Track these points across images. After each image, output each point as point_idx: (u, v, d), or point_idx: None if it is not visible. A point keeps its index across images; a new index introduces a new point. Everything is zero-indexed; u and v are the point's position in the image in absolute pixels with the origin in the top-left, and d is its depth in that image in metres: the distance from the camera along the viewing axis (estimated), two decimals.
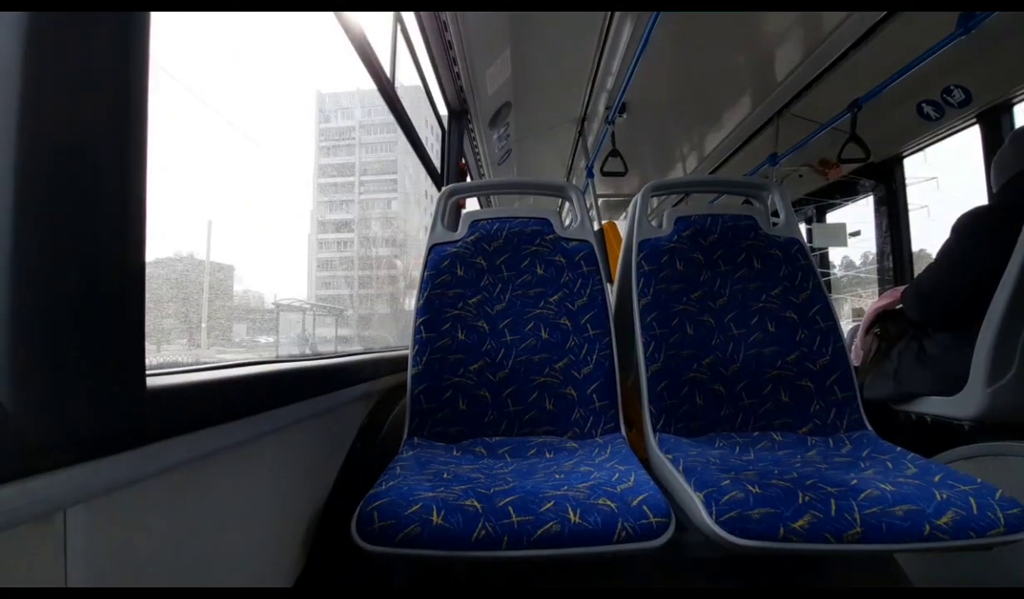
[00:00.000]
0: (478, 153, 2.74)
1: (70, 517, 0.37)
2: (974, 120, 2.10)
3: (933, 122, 2.20)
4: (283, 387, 0.66)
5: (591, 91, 2.38)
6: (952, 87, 2.01)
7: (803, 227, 3.28)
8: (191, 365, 0.58)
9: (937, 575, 1.00)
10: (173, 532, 0.48)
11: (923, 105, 2.16)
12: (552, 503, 0.67)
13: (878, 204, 2.74)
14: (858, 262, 3.43)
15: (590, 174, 2.86)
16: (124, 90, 0.39)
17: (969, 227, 1.37)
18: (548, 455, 0.96)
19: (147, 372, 0.42)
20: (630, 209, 1.26)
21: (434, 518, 0.64)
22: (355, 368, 0.92)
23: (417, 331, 1.10)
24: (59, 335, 0.35)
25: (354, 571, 0.79)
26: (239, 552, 0.59)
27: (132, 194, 0.40)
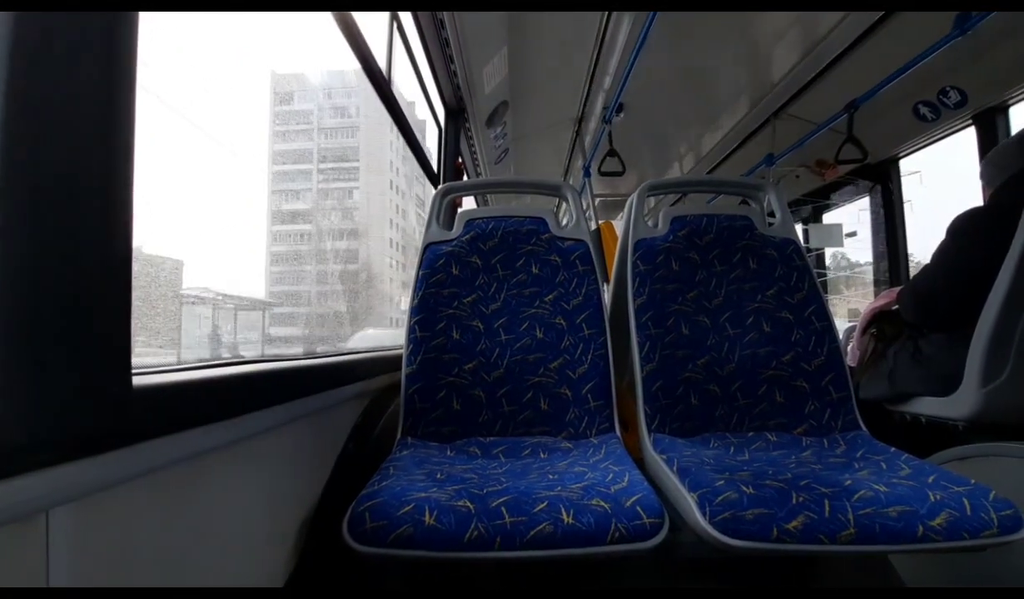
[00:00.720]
0: (475, 152, 2.73)
1: (53, 518, 0.36)
2: (970, 121, 2.10)
3: (929, 123, 2.20)
4: (274, 386, 0.65)
5: (588, 90, 2.38)
6: (948, 88, 2.02)
7: (799, 228, 3.28)
8: (180, 364, 0.57)
9: (930, 576, 1.00)
10: (161, 533, 0.48)
11: (919, 106, 2.17)
12: (545, 504, 0.66)
13: (874, 205, 2.74)
14: (851, 262, 3.44)
15: (587, 173, 2.86)
16: (111, 89, 0.39)
17: (964, 228, 1.37)
18: (542, 455, 0.96)
19: (134, 371, 0.42)
20: (626, 209, 1.26)
21: (426, 519, 0.63)
22: (348, 367, 0.91)
23: (411, 330, 1.09)
24: (43, 333, 0.34)
25: (346, 572, 0.78)
26: (229, 553, 0.59)
27: (118, 191, 0.39)
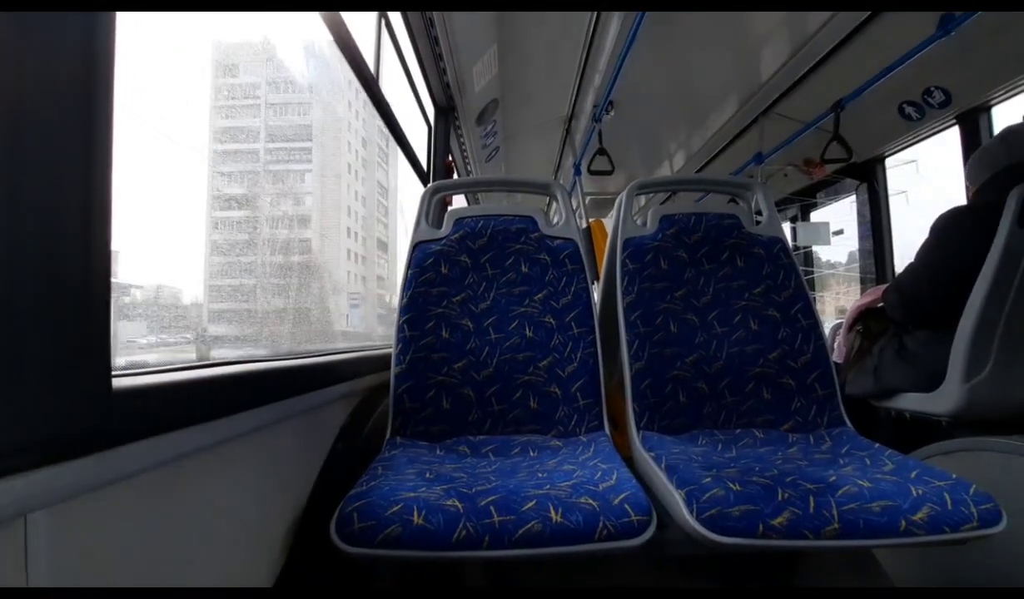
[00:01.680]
0: (465, 150, 2.73)
1: (31, 522, 0.36)
2: (954, 121, 2.13)
3: (914, 123, 2.23)
4: (260, 387, 0.65)
5: (578, 89, 2.39)
6: (933, 88, 2.04)
7: (787, 226, 3.31)
8: (162, 365, 0.56)
9: (914, 570, 1.02)
10: (144, 537, 0.47)
11: (904, 106, 2.19)
12: (534, 502, 0.66)
13: (860, 203, 2.78)
14: (834, 261, 3.47)
15: (577, 172, 2.86)
16: (90, 89, 0.38)
17: (947, 227, 1.39)
18: (532, 454, 0.96)
19: (114, 372, 0.41)
20: (615, 208, 1.26)
21: (415, 518, 0.63)
22: (336, 367, 0.91)
23: (400, 329, 1.09)
24: (19, 334, 0.34)
25: (335, 573, 0.78)
26: (215, 556, 0.58)
27: (97, 191, 0.39)
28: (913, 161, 2.54)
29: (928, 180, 2.54)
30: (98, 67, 0.39)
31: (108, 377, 0.40)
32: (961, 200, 1.63)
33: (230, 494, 0.61)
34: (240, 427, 0.60)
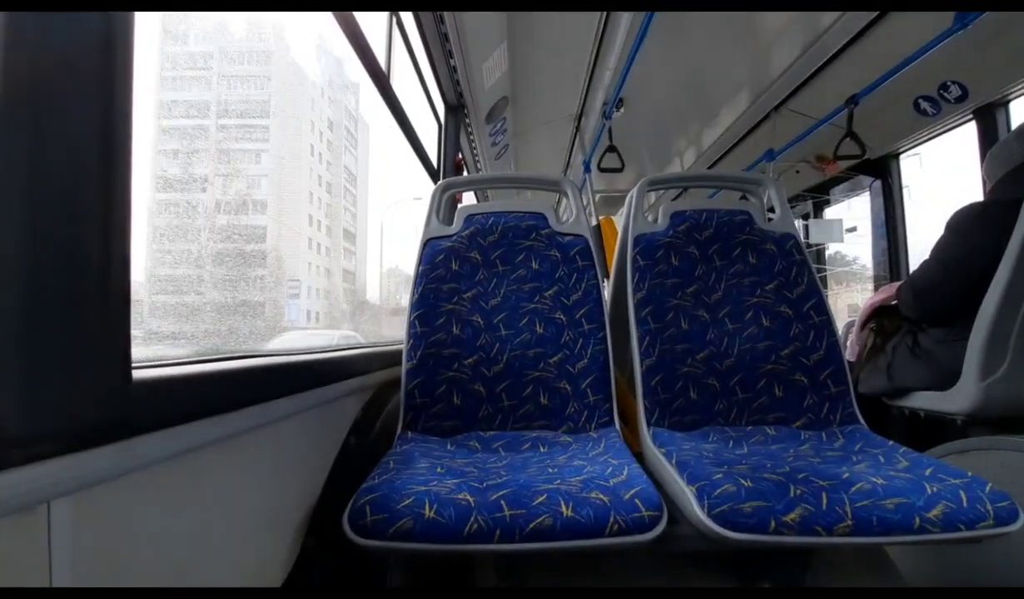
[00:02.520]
0: (475, 148, 2.73)
1: (54, 510, 0.37)
2: (970, 116, 2.10)
3: (930, 118, 2.20)
4: (275, 380, 0.65)
5: (588, 86, 2.38)
6: (949, 83, 2.01)
7: (799, 223, 3.28)
8: (181, 357, 0.57)
9: (928, 568, 1.01)
10: (162, 524, 0.48)
11: (920, 101, 2.16)
12: (545, 497, 0.67)
13: (874, 200, 2.74)
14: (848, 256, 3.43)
15: (587, 169, 2.86)
16: (109, 87, 0.39)
17: (963, 223, 1.37)
18: (542, 449, 0.96)
19: (134, 364, 0.42)
20: (626, 204, 1.26)
21: (426, 512, 0.64)
22: (349, 362, 0.91)
23: (411, 325, 1.10)
24: (43, 326, 0.34)
25: (347, 565, 0.79)
26: (229, 545, 0.59)
27: (116, 185, 0.40)
28: (917, 154, 2.50)
29: (933, 174, 2.51)
30: (116, 65, 0.40)
31: (128, 368, 0.41)
32: (962, 195, 1.61)
33: (245, 485, 0.62)
34: (255, 420, 0.60)
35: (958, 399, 1.30)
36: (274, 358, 0.68)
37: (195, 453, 0.51)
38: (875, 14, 1.73)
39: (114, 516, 0.43)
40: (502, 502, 0.66)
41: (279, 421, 0.67)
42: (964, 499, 0.66)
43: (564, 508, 0.65)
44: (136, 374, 0.42)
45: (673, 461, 0.80)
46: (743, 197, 1.41)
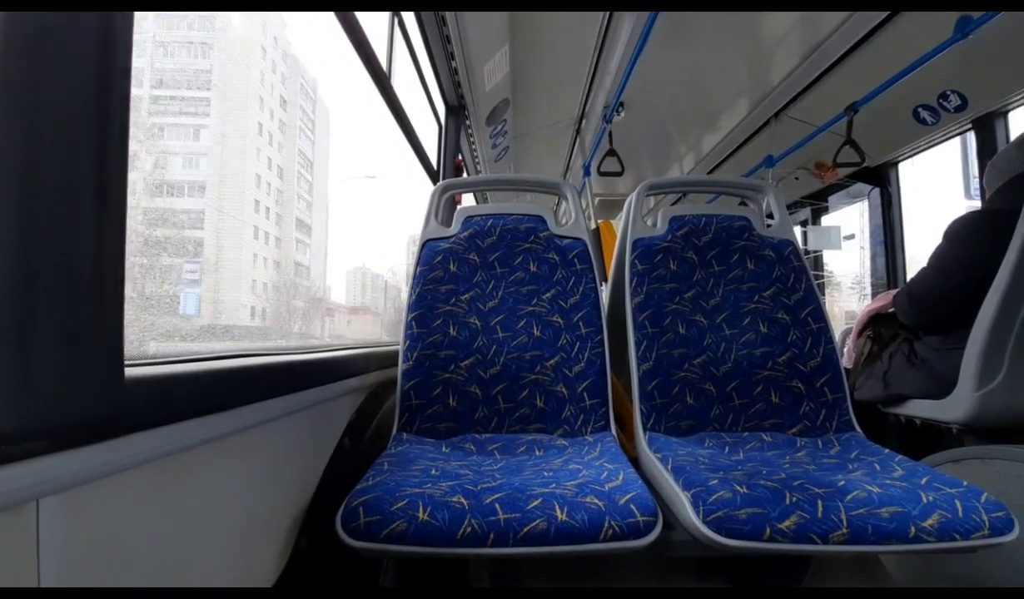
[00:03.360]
0: (475, 150, 2.73)
1: (43, 507, 0.36)
2: (969, 126, 2.11)
3: (929, 127, 2.21)
4: (269, 380, 0.65)
5: (589, 89, 2.38)
6: (949, 92, 2.02)
7: (798, 229, 3.29)
8: (174, 356, 0.57)
9: (922, 576, 1.01)
10: (153, 524, 0.48)
11: (919, 110, 2.17)
12: (540, 500, 0.66)
13: (872, 208, 2.75)
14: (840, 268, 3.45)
15: (587, 173, 2.86)
16: (106, 85, 0.39)
17: (961, 232, 1.37)
18: (538, 452, 0.96)
19: (126, 361, 0.42)
20: (625, 208, 1.26)
21: (420, 514, 0.63)
22: (344, 362, 0.91)
23: (408, 326, 1.09)
24: (34, 322, 0.34)
25: (340, 568, 0.78)
26: (221, 545, 0.59)
27: (111, 183, 0.39)
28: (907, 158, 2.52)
29: (922, 181, 2.53)
30: (115, 63, 0.40)
31: (121, 365, 0.41)
32: (946, 201, 1.61)
33: (238, 485, 0.62)
34: (249, 419, 0.60)
35: (954, 408, 1.30)
36: (269, 358, 0.68)
37: (188, 452, 0.51)
38: (876, 22, 1.73)
39: (104, 515, 0.42)
40: (496, 505, 0.65)
41: (273, 421, 0.67)
42: (960, 509, 0.66)
43: (559, 512, 0.64)
44: (128, 372, 0.42)
45: (669, 466, 0.80)
46: (742, 203, 1.41)
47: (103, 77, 0.39)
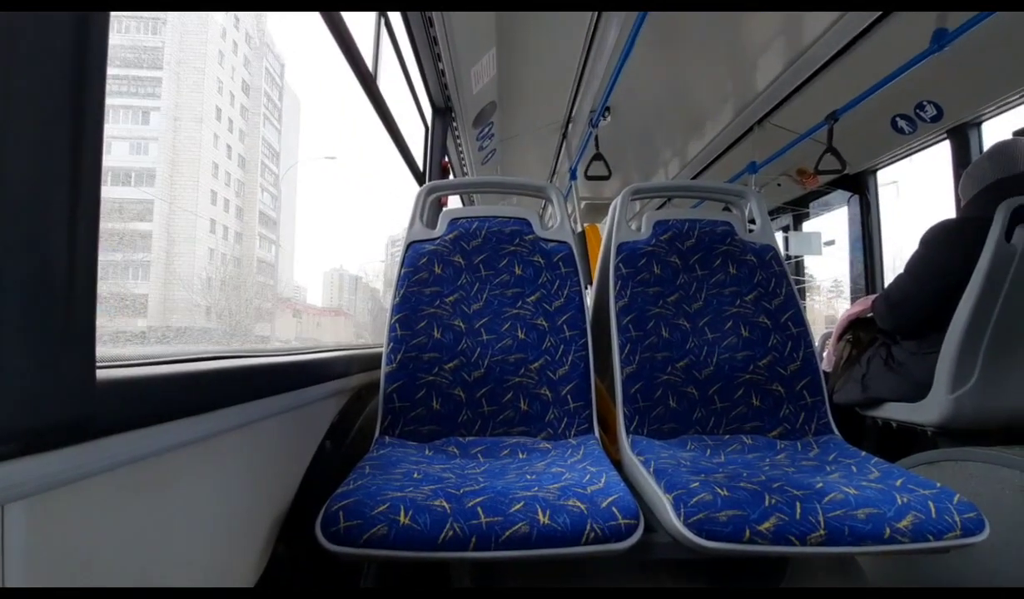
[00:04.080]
0: (462, 152, 2.73)
1: (9, 514, 0.35)
2: (944, 136, 2.16)
3: (906, 136, 2.26)
4: (248, 382, 0.64)
5: (576, 94, 2.39)
6: (925, 103, 2.07)
7: (779, 235, 3.34)
8: (149, 357, 0.56)
9: (897, 577, 1.03)
10: (124, 530, 0.47)
11: (897, 119, 2.22)
12: (522, 504, 0.66)
13: (852, 214, 2.81)
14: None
15: (573, 176, 2.87)
16: (80, 83, 0.38)
17: (936, 239, 1.41)
18: (521, 455, 0.96)
19: (99, 363, 0.41)
20: (610, 212, 1.27)
21: (401, 518, 0.63)
22: (326, 364, 0.90)
23: (392, 328, 1.09)
24: (2, 321, 0.33)
25: (319, 572, 0.77)
26: (197, 552, 0.57)
27: (85, 183, 0.38)
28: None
29: (893, 189, 2.58)
30: (90, 64, 0.39)
31: (92, 367, 0.40)
32: (916, 207, 1.66)
33: (215, 489, 0.60)
34: (227, 422, 0.59)
35: (929, 410, 1.33)
36: (248, 360, 0.67)
37: (162, 456, 0.50)
38: (856, 32, 1.77)
39: (74, 521, 0.41)
40: (479, 509, 0.65)
41: (253, 423, 0.66)
42: (933, 510, 0.68)
43: (541, 516, 0.64)
44: (101, 374, 0.41)
45: (651, 469, 0.80)
46: (726, 208, 1.43)
47: (77, 76, 0.38)
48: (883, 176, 2.64)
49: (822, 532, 0.65)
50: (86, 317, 0.39)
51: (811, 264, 3.45)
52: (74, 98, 0.38)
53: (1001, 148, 1.41)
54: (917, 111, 2.12)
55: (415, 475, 0.78)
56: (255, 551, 0.69)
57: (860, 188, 2.71)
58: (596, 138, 2.47)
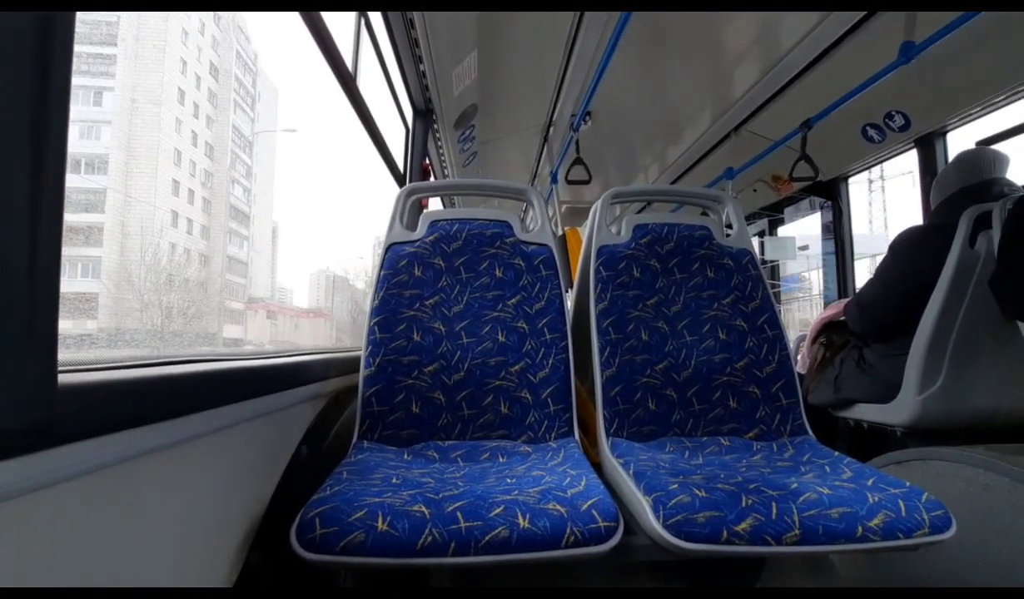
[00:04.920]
0: (443, 154, 2.72)
1: None
2: (912, 144, 2.24)
3: (876, 144, 2.33)
4: (220, 387, 0.62)
5: (557, 98, 2.41)
6: (894, 112, 2.14)
7: (755, 240, 3.41)
8: (115, 361, 0.54)
9: (867, 572, 1.05)
10: (88, 540, 0.45)
11: (868, 128, 2.29)
12: (502, 508, 0.66)
13: (825, 220, 2.88)
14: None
15: (554, 180, 2.89)
16: (42, 84, 0.37)
17: (903, 245, 1.45)
18: (501, 459, 0.96)
19: (60, 368, 0.39)
20: (591, 216, 1.27)
21: (379, 524, 0.62)
22: (302, 368, 0.88)
23: (371, 331, 1.07)
24: None
25: (295, 581, 0.75)
26: (166, 562, 0.55)
27: (47, 185, 0.37)
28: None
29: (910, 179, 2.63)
30: (53, 65, 0.38)
31: (54, 371, 0.38)
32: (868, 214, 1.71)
33: (185, 497, 0.59)
34: (196, 428, 0.57)
35: (898, 411, 1.37)
36: (220, 364, 0.65)
37: (128, 463, 0.48)
38: (830, 42, 1.82)
39: (32, 532, 0.39)
40: (458, 513, 0.64)
41: (224, 429, 0.64)
42: (903, 508, 0.69)
43: (521, 520, 0.64)
44: (63, 379, 0.39)
45: (630, 471, 0.81)
46: (703, 213, 1.45)
47: (39, 72, 0.37)
48: (890, 168, 2.70)
49: (797, 532, 0.67)
50: (47, 319, 0.38)
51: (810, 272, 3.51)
52: (35, 94, 0.36)
53: (965, 157, 1.47)
54: (886, 120, 2.19)
55: (394, 480, 0.77)
56: (227, 560, 0.67)
57: (833, 195, 2.78)
58: (577, 142, 2.49)
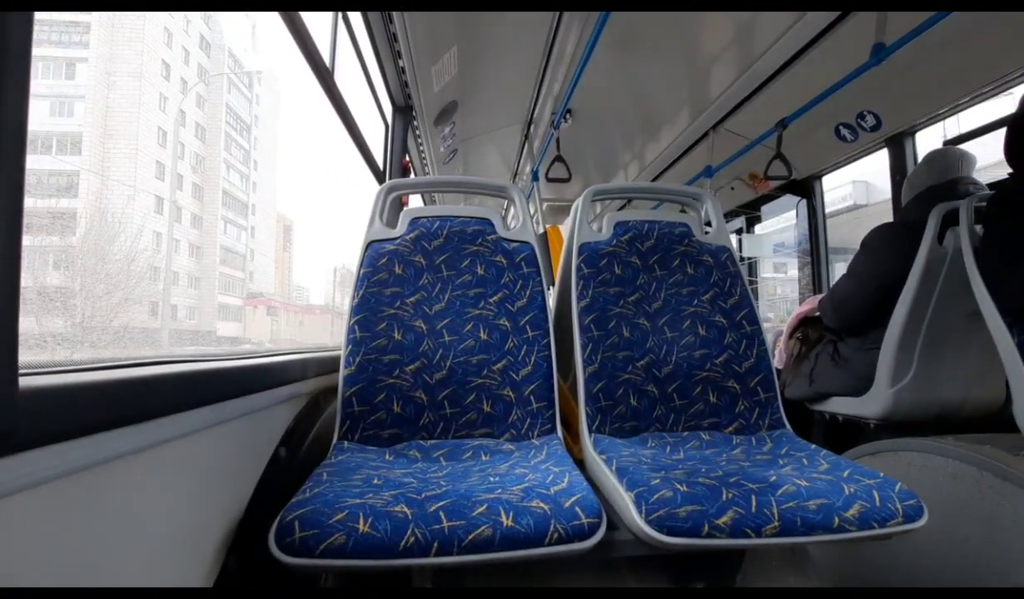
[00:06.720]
0: (423, 151, 2.69)
1: None
2: (883, 144, 2.29)
3: (849, 144, 2.38)
4: (192, 389, 0.60)
5: (537, 95, 2.41)
6: (866, 112, 2.19)
7: (733, 237, 3.46)
8: (80, 363, 0.52)
9: (843, 561, 1.08)
10: (52, 551, 0.43)
11: (840, 127, 2.34)
12: (485, 507, 0.65)
13: (800, 217, 2.94)
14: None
15: (535, 178, 2.88)
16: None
17: (874, 242, 1.49)
18: (484, 457, 0.95)
19: (22, 370, 0.38)
20: (572, 213, 1.27)
21: (360, 526, 0.61)
22: (278, 369, 0.86)
23: (351, 330, 1.06)
24: None
25: (273, 586, 0.74)
26: (140, 569, 0.54)
27: (4, 178, 0.35)
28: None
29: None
30: (8, 69, 0.36)
31: (14, 374, 0.36)
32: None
33: (157, 503, 0.57)
34: (168, 431, 0.56)
35: (871, 404, 1.41)
36: (192, 365, 0.63)
37: (95, 469, 0.46)
38: (804, 42, 1.85)
39: None
40: (441, 513, 0.64)
41: (198, 432, 0.62)
42: (877, 498, 0.71)
43: (504, 518, 0.64)
44: (24, 382, 0.38)
45: (613, 467, 0.81)
46: (683, 210, 1.47)
47: None
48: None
49: (776, 524, 0.68)
50: (6, 319, 0.36)
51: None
52: None
53: (934, 156, 1.51)
54: (858, 120, 2.24)
55: (375, 481, 0.76)
56: (203, 565, 0.66)
57: (807, 193, 2.84)
58: (557, 140, 2.49)
